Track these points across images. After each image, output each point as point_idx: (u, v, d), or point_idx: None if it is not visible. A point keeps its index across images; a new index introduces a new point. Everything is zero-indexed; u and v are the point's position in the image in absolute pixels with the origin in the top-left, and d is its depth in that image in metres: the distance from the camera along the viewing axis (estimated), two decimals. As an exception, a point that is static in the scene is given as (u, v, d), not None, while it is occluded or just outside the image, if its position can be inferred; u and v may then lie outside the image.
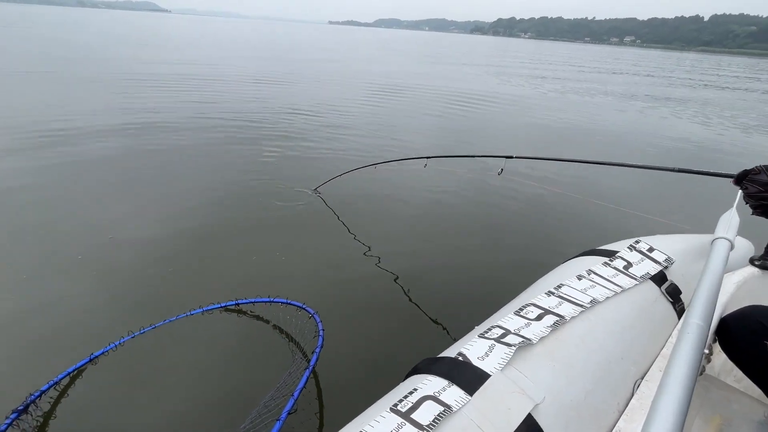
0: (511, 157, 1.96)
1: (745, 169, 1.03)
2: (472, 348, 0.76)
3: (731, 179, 1.08)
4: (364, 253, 2.37)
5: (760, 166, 1.00)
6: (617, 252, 1.10)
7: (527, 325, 0.83)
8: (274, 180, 3.31)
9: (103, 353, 1.49)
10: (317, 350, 1.41)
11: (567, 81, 13.58)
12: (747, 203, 1.00)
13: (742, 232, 1.26)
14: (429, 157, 2.41)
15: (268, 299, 1.73)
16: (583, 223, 3.06)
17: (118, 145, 3.85)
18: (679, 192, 3.91)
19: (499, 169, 2.05)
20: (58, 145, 3.72)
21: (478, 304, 1.94)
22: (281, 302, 1.71)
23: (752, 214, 0.98)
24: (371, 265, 2.26)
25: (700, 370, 1.04)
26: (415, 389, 0.68)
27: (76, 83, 6.75)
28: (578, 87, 11.99)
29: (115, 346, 1.52)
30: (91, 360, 1.47)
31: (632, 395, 0.78)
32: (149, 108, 5.35)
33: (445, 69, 15.25)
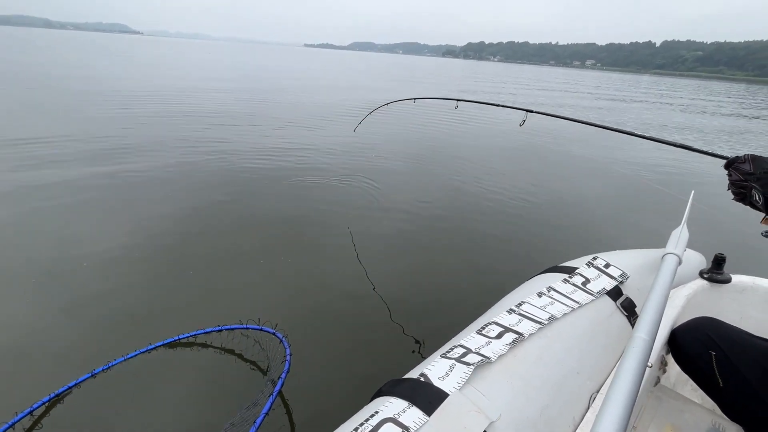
0: (531, 111, 2.07)
1: (736, 155, 1.04)
2: (434, 368, 0.77)
3: (723, 162, 1.08)
4: (336, 272, 2.37)
5: (746, 155, 1.00)
6: (576, 269, 1.15)
7: (488, 343, 0.85)
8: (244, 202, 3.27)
9: (66, 390, 1.43)
10: (282, 376, 1.39)
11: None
12: (728, 189, 1.02)
13: (698, 245, 1.34)
14: (460, 100, 2.58)
15: (240, 326, 1.69)
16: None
17: (95, 167, 3.72)
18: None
19: (521, 121, 2.15)
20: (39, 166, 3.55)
21: (447, 320, 1.96)
22: (251, 328, 1.68)
23: (733, 199, 1.01)
24: (343, 283, 2.25)
25: (654, 381, 1.08)
26: (377, 412, 0.69)
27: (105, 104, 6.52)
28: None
29: (76, 384, 1.46)
30: (55, 397, 1.40)
31: (588, 408, 0.80)
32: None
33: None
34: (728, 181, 1.01)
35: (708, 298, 1.18)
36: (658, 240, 1.21)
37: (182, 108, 7.32)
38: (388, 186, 3.94)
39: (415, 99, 2.98)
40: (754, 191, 0.89)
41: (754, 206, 0.92)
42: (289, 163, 4.44)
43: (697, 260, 1.35)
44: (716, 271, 1.20)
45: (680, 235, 1.08)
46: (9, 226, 2.61)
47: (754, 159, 0.96)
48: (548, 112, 2.05)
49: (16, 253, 2.31)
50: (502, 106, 2.39)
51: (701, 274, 1.23)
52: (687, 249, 1.23)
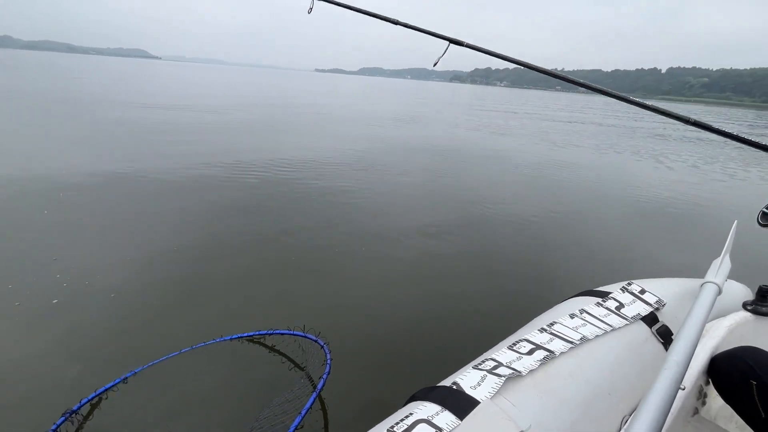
0: (462, 43, 1.46)
1: None
2: (466, 378, 0.80)
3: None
4: (371, 284, 2.48)
5: None
6: (610, 293, 1.14)
7: (519, 358, 0.86)
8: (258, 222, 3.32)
9: (117, 384, 1.54)
10: (324, 376, 1.50)
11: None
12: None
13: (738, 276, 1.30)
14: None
15: (285, 331, 1.82)
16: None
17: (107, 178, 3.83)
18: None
19: (442, 53, 1.49)
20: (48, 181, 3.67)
21: (479, 338, 1.97)
22: (296, 335, 1.79)
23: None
24: (377, 296, 2.35)
25: (692, 411, 1.04)
26: (411, 413, 0.72)
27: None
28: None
29: (125, 378, 1.57)
30: (121, 381, 1.53)
31: (620, 430, 0.80)
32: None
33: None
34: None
35: (751, 331, 1.14)
36: (699, 272, 1.19)
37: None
38: (414, 203, 3.98)
39: None
40: None
41: None
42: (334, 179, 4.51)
43: (741, 292, 1.31)
44: (761, 303, 1.16)
45: (721, 264, 1.06)
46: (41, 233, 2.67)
47: None
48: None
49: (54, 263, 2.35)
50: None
51: (744, 305, 1.19)
52: (729, 280, 1.20)
